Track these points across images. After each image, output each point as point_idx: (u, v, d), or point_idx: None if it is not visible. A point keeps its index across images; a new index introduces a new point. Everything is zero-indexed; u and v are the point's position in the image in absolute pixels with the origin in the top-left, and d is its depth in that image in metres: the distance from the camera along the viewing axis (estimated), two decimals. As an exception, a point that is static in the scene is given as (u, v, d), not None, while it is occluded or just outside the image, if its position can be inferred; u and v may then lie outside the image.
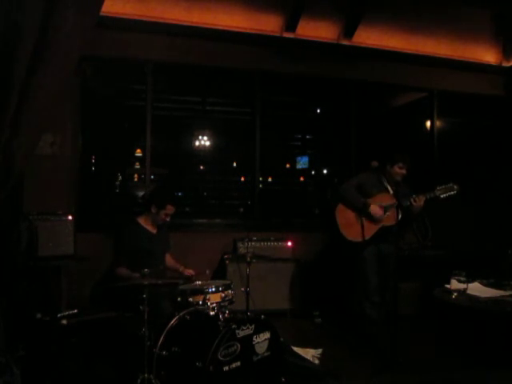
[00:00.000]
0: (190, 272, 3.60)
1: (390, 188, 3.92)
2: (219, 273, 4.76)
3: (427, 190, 3.96)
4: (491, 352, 3.36)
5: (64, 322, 3.04)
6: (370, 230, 3.92)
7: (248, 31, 5.07)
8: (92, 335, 3.08)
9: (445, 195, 3.85)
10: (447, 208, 5.00)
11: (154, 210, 3.60)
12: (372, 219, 3.92)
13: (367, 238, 3.88)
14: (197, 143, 5.35)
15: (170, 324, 2.76)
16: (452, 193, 3.86)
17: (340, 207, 4.09)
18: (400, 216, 3.56)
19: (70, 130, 4.59)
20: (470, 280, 3.04)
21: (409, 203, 3.78)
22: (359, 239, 3.83)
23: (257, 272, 4.37)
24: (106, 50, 4.59)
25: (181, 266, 3.71)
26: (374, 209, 3.90)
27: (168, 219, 3.66)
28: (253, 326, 2.72)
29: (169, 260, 3.82)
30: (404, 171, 3.94)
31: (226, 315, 2.80)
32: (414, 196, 3.82)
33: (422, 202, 3.81)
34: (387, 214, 3.89)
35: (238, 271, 4.32)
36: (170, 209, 3.59)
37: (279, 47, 5.22)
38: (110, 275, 3.66)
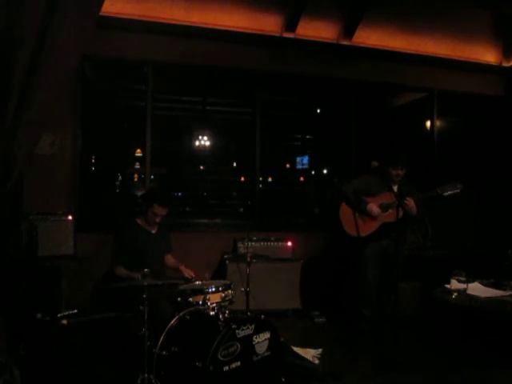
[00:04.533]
0: (189, 273, 3.59)
1: (393, 187, 3.94)
2: (219, 273, 4.76)
3: (427, 189, 3.97)
4: (491, 352, 3.36)
5: (64, 321, 3.04)
6: (372, 225, 3.97)
7: (248, 31, 5.07)
8: (92, 335, 3.08)
9: (447, 193, 3.84)
10: (447, 208, 5.01)
11: (144, 208, 3.59)
12: (371, 217, 3.96)
13: (368, 233, 3.94)
14: (197, 143, 5.36)
15: (170, 324, 2.76)
16: (455, 191, 3.85)
17: (343, 206, 4.14)
18: (401, 214, 3.57)
19: (70, 130, 4.59)
20: (469, 280, 3.05)
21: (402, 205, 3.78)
22: (362, 234, 3.90)
23: (257, 272, 4.37)
24: (106, 50, 4.59)
25: (181, 265, 3.70)
26: (371, 207, 3.95)
27: (158, 219, 3.58)
28: (253, 326, 2.72)
29: (169, 260, 3.81)
30: (399, 172, 3.95)
31: (226, 315, 2.80)
32: (406, 199, 3.83)
33: (412, 203, 3.82)
34: (389, 211, 3.91)
35: (238, 271, 4.30)
36: (157, 209, 3.52)
37: (279, 47, 5.22)
38: (109, 275, 3.65)
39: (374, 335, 4.00)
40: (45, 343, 2.98)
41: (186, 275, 3.58)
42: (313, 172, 5.92)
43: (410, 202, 3.81)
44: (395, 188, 3.98)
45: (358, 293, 4.07)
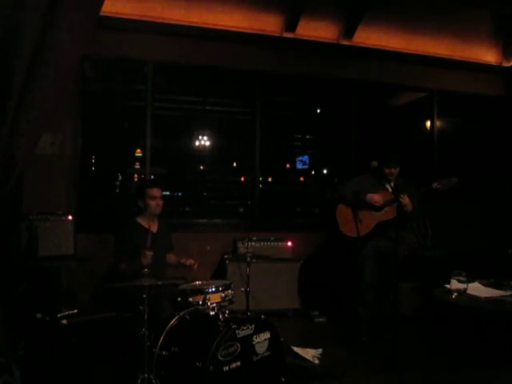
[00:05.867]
0: (191, 262, 3.58)
1: (389, 186, 3.94)
2: (219, 273, 4.76)
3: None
4: (491, 352, 3.36)
5: (64, 321, 3.04)
6: (368, 225, 3.97)
7: (248, 31, 5.07)
8: (92, 335, 3.08)
9: (442, 188, 3.83)
10: (447, 208, 5.01)
11: (142, 205, 3.59)
12: (371, 209, 3.95)
13: (365, 232, 3.93)
14: (197, 143, 5.36)
15: (170, 324, 2.75)
16: (450, 185, 3.83)
17: (340, 207, 4.13)
18: (398, 211, 3.58)
19: (70, 130, 4.59)
20: (469, 280, 3.05)
21: (399, 203, 3.77)
22: (357, 234, 3.88)
23: (257, 272, 4.37)
24: (106, 49, 4.59)
25: (182, 258, 3.69)
26: (372, 196, 3.94)
27: (159, 203, 3.57)
28: (253, 326, 2.72)
29: (171, 258, 3.80)
30: (392, 170, 3.95)
31: (226, 315, 2.80)
32: (401, 195, 3.83)
33: (407, 200, 3.81)
34: (385, 209, 3.91)
35: (238, 271, 4.31)
36: (151, 191, 3.53)
37: (279, 47, 5.22)
38: (110, 275, 3.65)
39: (374, 335, 4.01)
40: (45, 343, 2.98)
41: (188, 263, 3.57)
42: (313, 172, 5.92)
43: (405, 199, 3.81)
44: (391, 186, 3.97)
45: (356, 293, 4.07)
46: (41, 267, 3.76)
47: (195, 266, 3.55)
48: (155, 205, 3.57)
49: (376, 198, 3.94)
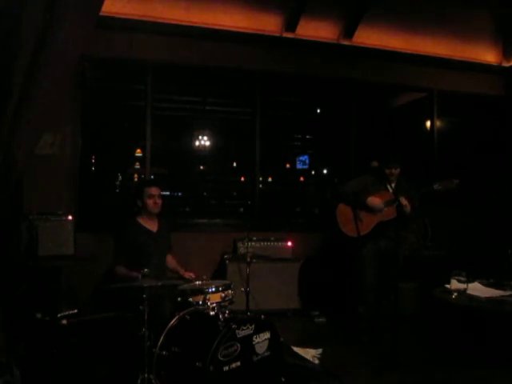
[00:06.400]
0: (190, 275, 3.59)
1: (389, 186, 3.93)
2: (219, 273, 4.76)
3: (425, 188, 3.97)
4: (491, 352, 3.36)
5: (64, 322, 3.04)
6: (368, 225, 3.96)
7: (248, 31, 5.07)
8: (92, 335, 3.08)
9: (443, 189, 3.83)
10: (447, 208, 5.01)
11: (140, 204, 3.61)
12: (371, 211, 3.94)
13: (365, 232, 3.93)
14: (197, 143, 5.36)
15: (170, 324, 2.75)
16: (451, 187, 3.84)
17: (340, 206, 4.13)
18: (396, 212, 3.57)
19: (69, 130, 4.59)
20: (469, 280, 3.05)
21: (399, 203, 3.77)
22: (357, 234, 3.89)
23: (257, 272, 4.37)
24: (106, 50, 4.59)
25: (181, 269, 3.70)
26: (372, 200, 3.93)
27: (158, 201, 3.60)
28: (253, 326, 2.72)
29: (170, 261, 3.81)
30: (393, 171, 3.95)
31: (226, 315, 2.79)
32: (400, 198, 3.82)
33: (405, 201, 3.80)
34: (385, 209, 3.91)
35: (238, 271, 4.32)
36: (149, 190, 3.57)
37: (279, 47, 5.22)
38: (109, 275, 3.65)
39: (374, 335, 4.01)
40: (45, 343, 2.98)
41: (186, 278, 3.58)
42: (313, 172, 5.92)
43: (403, 201, 3.81)
44: (392, 186, 3.98)
45: (356, 293, 4.07)
46: (41, 267, 3.76)
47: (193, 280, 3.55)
48: (153, 203, 3.59)
49: (377, 202, 3.93)
